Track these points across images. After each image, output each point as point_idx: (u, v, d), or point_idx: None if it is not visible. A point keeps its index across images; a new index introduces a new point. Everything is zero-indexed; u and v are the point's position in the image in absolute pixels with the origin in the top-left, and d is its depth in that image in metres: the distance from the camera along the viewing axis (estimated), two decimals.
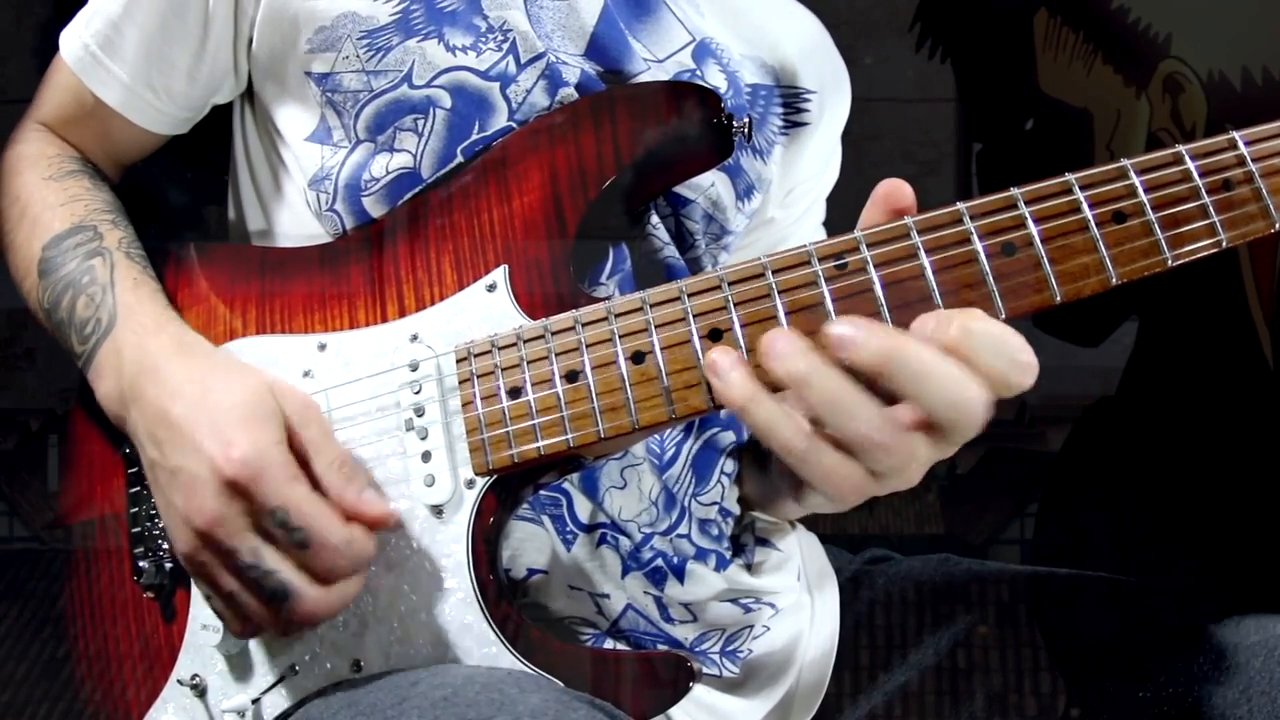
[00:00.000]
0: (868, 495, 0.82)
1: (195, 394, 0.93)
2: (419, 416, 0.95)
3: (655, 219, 1.09)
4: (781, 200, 1.22)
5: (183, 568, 1.02)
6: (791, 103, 1.18)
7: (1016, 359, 0.77)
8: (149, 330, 0.99)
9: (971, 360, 0.77)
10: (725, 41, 1.13)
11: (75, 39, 1.13)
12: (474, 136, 1.05)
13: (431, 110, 1.05)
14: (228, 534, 0.88)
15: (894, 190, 0.85)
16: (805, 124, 1.19)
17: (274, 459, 0.89)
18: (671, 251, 1.09)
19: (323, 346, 1.01)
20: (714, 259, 1.14)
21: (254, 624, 0.92)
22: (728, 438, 1.13)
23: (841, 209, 1.28)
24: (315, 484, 0.91)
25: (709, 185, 1.11)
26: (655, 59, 1.10)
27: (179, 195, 1.31)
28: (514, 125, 1.05)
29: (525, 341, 0.92)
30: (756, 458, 1.15)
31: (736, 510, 1.18)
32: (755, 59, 1.15)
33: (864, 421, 0.77)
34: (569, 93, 1.04)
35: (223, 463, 0.88)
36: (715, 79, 1.11)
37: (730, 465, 1.14)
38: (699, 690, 1.13)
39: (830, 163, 1.27)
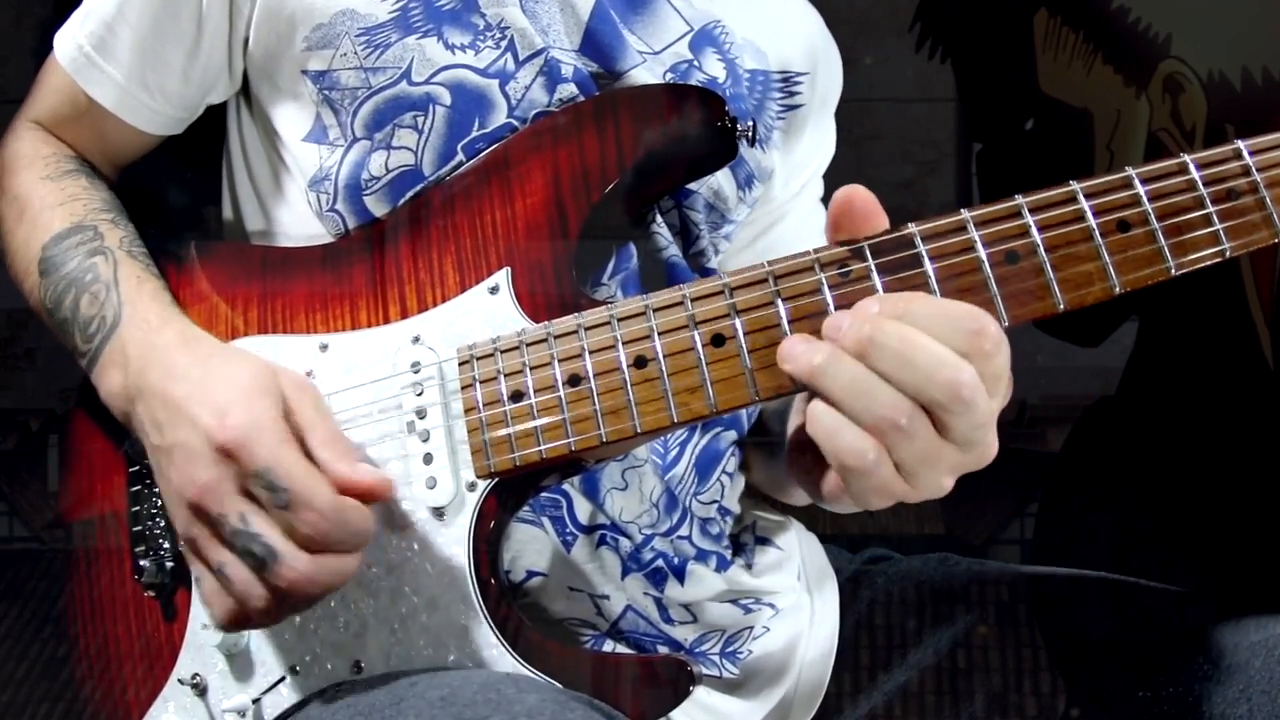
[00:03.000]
0: (897, 497, 0.82)
1: (197, 375, 0.93)
2: (421, 419, 0.95)
3: (658, 218, 1.09)
4: (785, 181, 1.22)
5: (184, 566, 1.03)
6: (785, 87, 1.18)
7: (964, 328, 0.78)
8: (154, 326, 0.99)
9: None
10: (729, 24, 1.13)
11: (69, 39, 1.12)
12: (474, 133, 1.05)
13: (431, 107, 1.05)
14: (216, 500, 0.87)
15: (852, 207, 0.85)
16: (800, 106, 1.19)
17: (265, 425, 0.88)
18: (674, 251, 1.09)
19: (324, 347, 1.01)
20: (716, 248, 1.14)
21: (242, 607, 0.89)
22: (730, 437, 1.13)
23: None
24: (309, 459, 0.89)
25: (709, 175, 1.11)
26: (651, 51, 1.09)
27: (180, 195, 1.30)
28: (513, 122, 1.05)
29: (528, 345, 0.92)
30: (764, 446, 1.15)
31: (737, 509, 1.18)
32: (753, 44, 1.15)
33: (883, 404, 0.78)
34: (568, 89, 1.05)
35: (216, 430, 0.87)
36: (714, 68, 1.11)
37: (732, 464, 1.14)
38: (699, 691, 1.13)
39: (825, 139, 1.27)
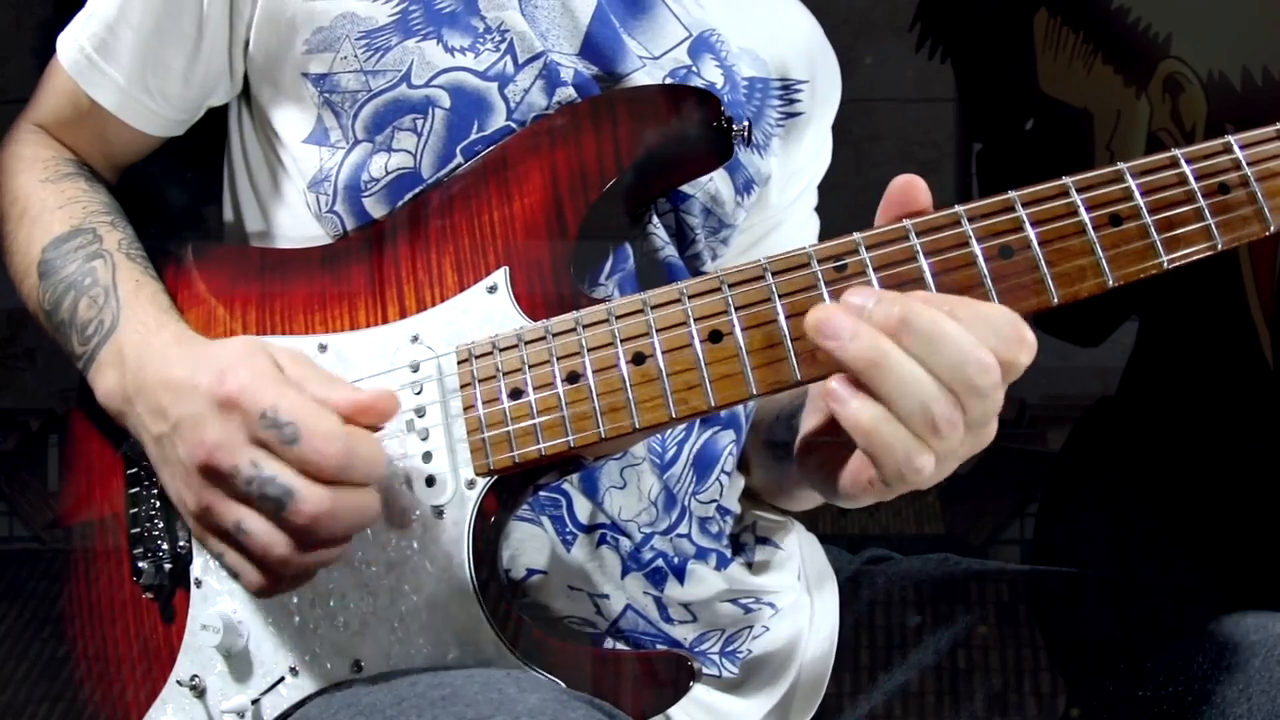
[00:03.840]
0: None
1: (194, 357, 0.93)
2: (420, 417, 0.95)
3: (655, 218, 1.09)
4: (781, 188, 1.22)
5: (182, 568, 1.03)
6: (785, 95, 1.18)
7: (1005, 335, 0.78)
8: (151, 329, 1.00)
9: None
10: (725, 33, 1.13)
11: (71, 42, 1.13)
12: (473, 136, 1.05)
13: (430, 110, 1.05)
14: (228, 452, 0.86)
15: (909, 188, 0.85)
16: (799, 114, 1.20)
17: (265, 373, 0.88)
18: (671, 251, 1.09)
19: (323, 347, 1.01)
20: (713, 252, 1.15)
21: (266, 561, 0.88)
22: (728, 436, 1.13)
23: (842, 209, 1.28)
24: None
25: (707, 181, 1.11)
26: (650, 56, 1.10)
27: (180, 196, 1.31)
28: (512, 125, 1.05)
29: (526, 343, 0.93)
30: (773, 447, 1.15)
31: (736, 509, 1.18)
32: (750, 52, 1.16)
33: (935, 398, 0.78)
34: (567, 92, 1.05)
35: (216, 386, 0.87)
36: (712, 74, 1.11)
37: (730, 463, 1.14)
38: (698, 690, 1.14)
39: (822, 149, 1.28)
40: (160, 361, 0.95)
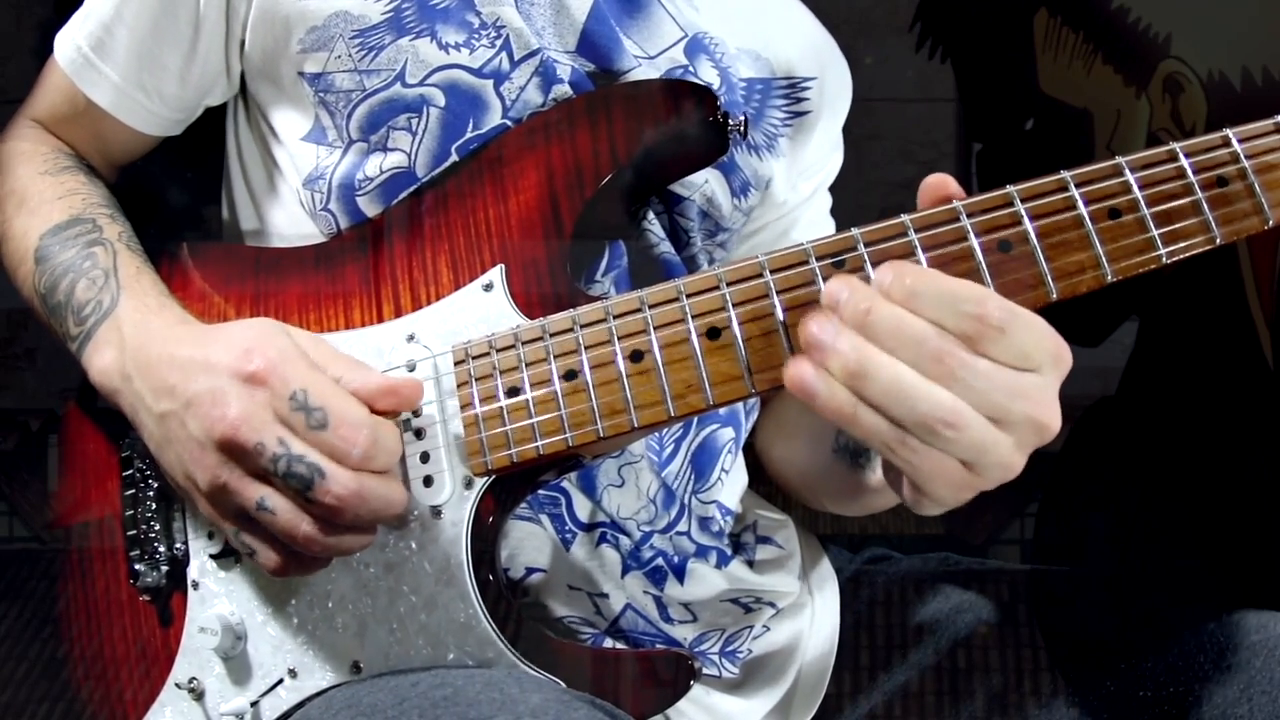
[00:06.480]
0: (972, 490, 0.81)
1: (206, 337, 0.93)
2: (416, 417, 0.95)
3: (651, 216, 1.09)
4: (793, 186, 1.22)
5: (179, 569, 1.02)
6: (791, 93, 1.17)
7: (960, 310, 0.75)
8: (152, 309, 0.99)
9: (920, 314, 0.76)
10: (720, 35, 1.13)
11: (68, 41, 1.13)
12: (468, 134, 1.05)
13: (425, 109, 1.05)
14: (252, 428, 0.86)
15: (942, 185, 0.84)
16: (808, 112, 1.19)
17: (291, 354, 0.88)
18: (667, 248, 1.09)
19: None
20: (710, 256, 1.14)
21: (289, 539, 0.88)
22: (727, 433, 1.13)
23: (841, 209, 1.28)
24: None
25: (703, 183, 1.10)
26: (646, 55, 1.09)
27: (180, 195, 1.31)
28: (508, 123, 1.05)
29: (523, 342, 0.92)
30: (850, 454, 1.10)
31: (737, 507, 1.18)
32: (750, 53, 1.15)
33: (924, 401, 0.74)
34: (563, 90, 1.05)
35: (243, 363, 0.87)
36: (708, 75, 1.11)
37: (730, 461, 1.14)
38: (698, 690, 1.14)
39: (835, 148, 1.27)
40: (165, 340, 0.94)
